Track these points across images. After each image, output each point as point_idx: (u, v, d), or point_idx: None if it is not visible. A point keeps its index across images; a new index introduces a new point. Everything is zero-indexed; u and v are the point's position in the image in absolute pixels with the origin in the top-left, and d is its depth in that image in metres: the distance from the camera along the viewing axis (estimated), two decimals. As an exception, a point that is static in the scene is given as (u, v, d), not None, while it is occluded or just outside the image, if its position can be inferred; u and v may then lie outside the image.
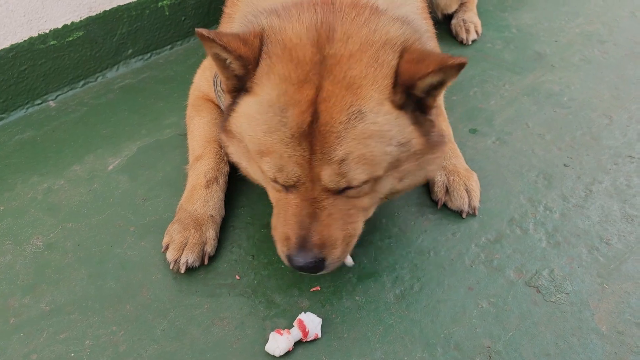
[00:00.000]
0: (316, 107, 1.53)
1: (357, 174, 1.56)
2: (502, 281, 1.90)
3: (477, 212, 2.10)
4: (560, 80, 2.77)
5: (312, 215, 1.62)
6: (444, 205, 2.13)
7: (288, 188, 1.64)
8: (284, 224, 1.67)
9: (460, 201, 2.08)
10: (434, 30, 2.34)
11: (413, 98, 1.61)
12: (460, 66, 1.49)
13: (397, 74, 1.56)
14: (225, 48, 1.57)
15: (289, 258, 1.66)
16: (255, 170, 1.75)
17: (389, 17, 1.66)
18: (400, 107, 1.59)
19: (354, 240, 1.74)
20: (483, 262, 1.96)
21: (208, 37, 1.54)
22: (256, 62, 1.61)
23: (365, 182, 1.60)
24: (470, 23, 3.03)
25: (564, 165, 2.32)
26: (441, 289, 1.88)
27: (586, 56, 2.94)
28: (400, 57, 1.57)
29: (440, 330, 1.76)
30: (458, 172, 2.13)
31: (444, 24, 3.10)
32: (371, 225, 2.06)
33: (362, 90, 1.54)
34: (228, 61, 1.61)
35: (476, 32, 3.04)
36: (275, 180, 1.63)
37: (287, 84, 1.55)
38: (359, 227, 1.74)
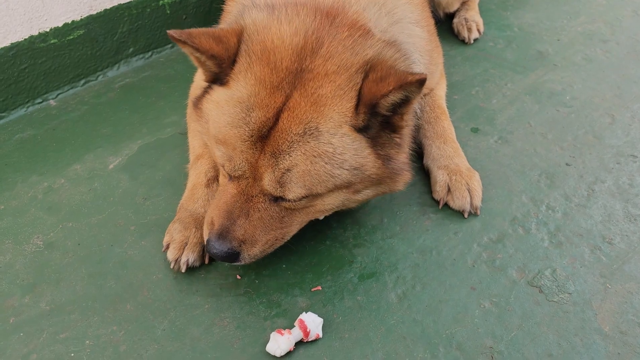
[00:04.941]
0: (279, 113, 1.56)
1: (295, 188, 1.59)
2: (504, 281, 1.89)
3: (479, 211, 2.09)
4: (563, 79, 2.76)
5: (244, 211, 1.66)
6: (446, 204, 2.12)
7: (232, 177, 1.68)
8: (214, 209, 1.73)
9: (462, 201, 2.08)
10: (435, 31, 2.34)
11: (379, 117, 1.61)
12: (421, 82, 1.47)
13: (360, 95, 1.56)
14: (197, 49, 1.59)
15: (207, 242, 1.70)
16: (214, 152, 1.77)
17: (376, 40, 1.66)
18: (362, 128, 1.59)
19: (280, 243, 1.77)
20: (485, 262, 1.95)
21: (179, 39, 1.57)
22: (231, 60, 1.63)
23: (303, 198, 1.63)
24: (472, 22, 3.02)
25: (567, 164, 2.31)
26: (443, 288, 1.87)
27: (588, 55, 2.93)
28: (365, 76, 1.57)
29: (442, 331, 1.76)
30: (460, 171, 2.12)
31: (445, 23, 3.09)
32: (372, 225, 2.06)
33: (325, 109, 1.56)
34: (202, 59, 1.63)
35: (478, 31, 3.03)
36: (223, 166, 1.68)
37: (260, 87, 1.59)
38: (289, 232, 1.77)
